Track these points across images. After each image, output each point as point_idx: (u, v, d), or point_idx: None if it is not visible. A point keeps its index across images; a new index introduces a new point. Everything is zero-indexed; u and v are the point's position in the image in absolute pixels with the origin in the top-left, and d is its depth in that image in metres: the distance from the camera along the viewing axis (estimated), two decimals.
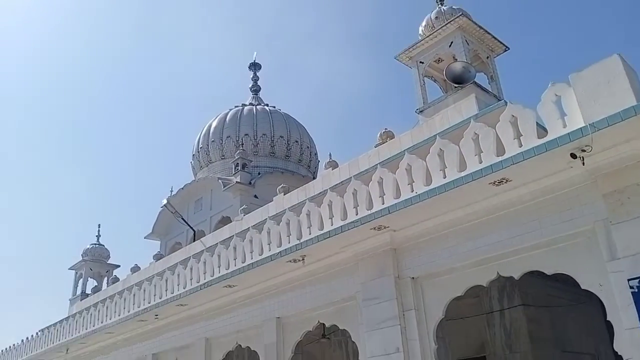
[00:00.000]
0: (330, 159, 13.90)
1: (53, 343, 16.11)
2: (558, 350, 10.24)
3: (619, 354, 5.47)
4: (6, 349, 20.23)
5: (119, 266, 24.42)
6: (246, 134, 23.52)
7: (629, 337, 5.31)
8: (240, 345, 10.56)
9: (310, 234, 8.50)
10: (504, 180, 6.21)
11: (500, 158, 6.07)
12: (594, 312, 11.09)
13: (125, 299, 13.23)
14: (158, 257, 17.99)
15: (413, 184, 7.21)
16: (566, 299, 11.10)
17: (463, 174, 6.40)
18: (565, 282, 10.87)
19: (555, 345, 10.24)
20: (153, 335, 12.80)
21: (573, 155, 5.61)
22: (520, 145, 6.02)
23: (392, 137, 10.76)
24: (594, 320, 11.27)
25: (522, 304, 9.86)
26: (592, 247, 5.87)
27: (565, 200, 6.19)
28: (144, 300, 12.35)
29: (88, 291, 22.80)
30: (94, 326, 14.12)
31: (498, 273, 6.71)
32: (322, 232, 8.18)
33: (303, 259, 8.79)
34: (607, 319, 5.63)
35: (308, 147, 25.28)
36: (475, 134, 6.58)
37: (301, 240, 8.52)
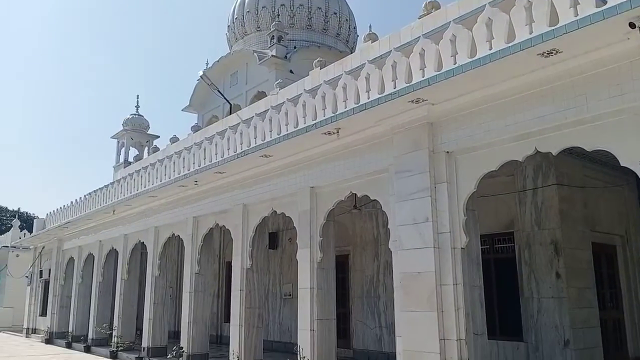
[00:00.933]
0: (370, 31, 13.35)
1: (100, 205, 17.23)
2: (587, 229, 10.38)
3: None
4: (57, 209, 21.80)
5: (158, 137, 25.20)
6: (282, 5, 22.63)
7: None
8: (275, 212, 11.05)
9: (345, 107, 8.45)
10: (554, 52, 5.88)
11: (553, 27, 5.69)
12: (628, 195, 11.04)
13: (165, 166, 13.81)
14: (196, 129, 18.38)
15: (457, 55, 6.91)
16: (602, 180, 11.03)
17: (511, 44, 6.07)
18: (602, 163, 10.74)
19: (585, 224, 10.36)
20: (193, 200, 13.49)
21: (632, 25, 5.22)
22: (576, 15, 5.61)
23: (438, 7, 10.16)
24: (627, 203, 11.26)
25: (557, 183, 9.85)
26: (638, 124, 5.67)
27: (616, 75, 5.88)
28: (184, 167, 12.88)
29: (130, 159, 23.82)
30: (137, 190, 14.94)
31: (536, 148, 6.62)
32: (357, 104, 8.10)
33: (338, 132, 8.84)
34: None
35: (347, 20, 24.27)
36: (529, 1, 6.13)
37: (336, 113, 8.50)
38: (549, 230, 9.77)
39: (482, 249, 8.95)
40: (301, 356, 9.24)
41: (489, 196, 9.93)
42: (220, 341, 17.23)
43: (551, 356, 9.43)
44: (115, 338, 15.93)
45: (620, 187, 11.06)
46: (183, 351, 12.46)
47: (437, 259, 7.41)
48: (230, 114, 18.21)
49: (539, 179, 10.05)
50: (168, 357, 12.73)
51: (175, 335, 16.36)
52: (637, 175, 5.62)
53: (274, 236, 16.32)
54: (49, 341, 20.78)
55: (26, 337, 23.97)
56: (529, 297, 9.91)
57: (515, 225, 10.38)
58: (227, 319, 13.10)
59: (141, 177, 15.06)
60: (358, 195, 9.75)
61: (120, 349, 15.56)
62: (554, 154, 6.67)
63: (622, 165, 5.83)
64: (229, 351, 11.32)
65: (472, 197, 7.50)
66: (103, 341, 17.34)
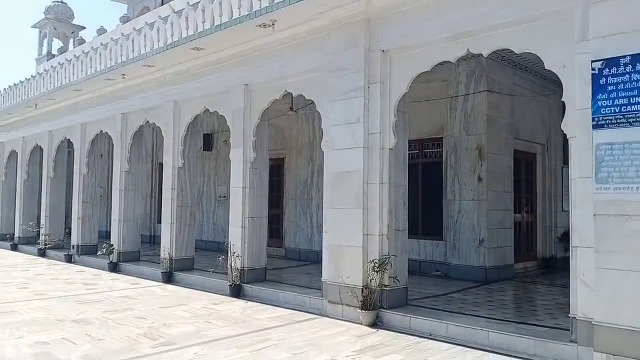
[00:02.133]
0: None
1: (22, 98, 16.13)
2: (511, 136, 10.80)
3: (564, 132, 5.74)
4: None
5: (84, 28, 23.37)
6: None
7: (577, 118, 5.51)
8: (208, 110, 10.73)
9: None
10: None
11: None
12: (553, 106, 11.47)
13: (91, 58, 12.93)
14: (125, 19, 17.10)
15: None
16: (530, 90, 11.35)
17: None
18: (532, 72, 10.99)
19: (510, 131, 10.76)
20: (122, 96, 12.84)
21: None
22: None
23: None
24: (552, 113, 11.71)
25: (487, 90, 10.05)
26: (565, 27, 5.71)
27: None
28: (110, 60, 12.10)
29: (54, 52, 22.13)
30: (61, 83, 14.02)
31: (468, 49, 6.61)
32: None
33: (273, 24, 8.45)
34: (562, 100, 5.76)
35: None
36: None
37: (272, 4, 8.08)
38: (476, 136, 10.10)
39: (412, 153, 9.19)
40: (232, 252, 9.42)
41: (422, 101, 10.05)
42: (153, 241, 17.29)
43: (467, 253, 10.12)
44: (43, 236, 15.61)
45: (546, 97, 11.45)
46: (113, 248, 12.43)
47: (365, 158, 7.51)
48: (163, 4, 17.03)
49: (471, 85, 10.20)
50: (98, 254, 12.68)
51: (106, 236, 16.14)
52: (562, 86, 5.75)
53: (209, 138, 16.04)
54: None
55: None
56: (451, 199, 10.41)
57: (444, 131, 10.65)
58: (160, 220, 13.03)
59: (65, 69, 14.08)
60: (293, 95, 9.58)
61: (48, 246, 15.32)
62: (484, 55, 6.69)
63: (546, 67, 5.94)
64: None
65: (404, 98, 7.51)
66: (31, 239, 16.97)
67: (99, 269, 12.56)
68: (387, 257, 7.15)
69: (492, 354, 5.71)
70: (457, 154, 10.35)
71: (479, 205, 10.03)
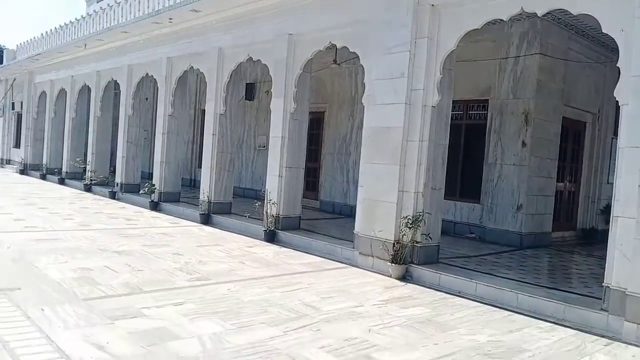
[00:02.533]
0: None
1: (71, 38, 16.48)
2: (561, 103, 10.44)
3: (617, 99, 5.51)
4: (28, 40, 20.82)
5: None
6: None
7: (632, 84, 5.27)
8: (251, 58, 10.74)
9: None
10: None
11: None
12: (608, 74, 10.97)
13: (139, 2, 13.04)
14: None
15: None
16: (585, 55, 10.86)
17: None
18: (588, 37, 10.47)
19: (561, 97, 10.40)
20: (168, 40, 12.96)
21: None
22: None
23: None
24: (606, 81, 11.20)
25: (540, 53, 9.67)
26: None
27: None
28: (158, 3, 12.17)
29: None
30: (109, 25, 14.23)
31: (522, 8, 6.33)
32: None
33: None
34: (617, 65, 5.51)
35: None
36: None
37: None
38: (523, 100, 9.80)
39: (455, 114, 9.04)
40: (268, 199, 9.61)
41: (469, 61, 9.76)
42: (193, 185, 17.75)
43: (504, 218, 10.01)
44: (89, 173, 16.23)
45: (602, 64, 10.94)
46: (155, 188, 12.83)
47: (407, 115, 7.43)
48: None
49: (522, 47, 9.83)
50: (140, 192, 13.12)
51: (149, 176, 16.66)
52: (619, 52, 5.49)
53: (251, 87, 16.08)
54: (23, 172, 21.13)
55: (0, 167, 24.27)
56: (492, 163, 10.23)
57: (491, 93, 10.36)
58: (201, 165, 13.31)
59: (114, 11, 14.26)
60: (338, 47, 9.44)
61: (93, 182, 15.94)
62: (539, 14, 6.40)
63: (603, 31, 5.66)
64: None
65: (451, 56, 7.32)
66: (77, 175, 17.66)
67: (140, 207, 13.04)
68: (421, 214, 7.16)
69: (519, 315, 5.73)
70: (502, 117, 10.10)
71: (520, 170, 9.83)
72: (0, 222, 9.34)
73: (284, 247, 8.94)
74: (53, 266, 6.42)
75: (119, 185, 14.78)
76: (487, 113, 10.49)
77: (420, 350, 4.43)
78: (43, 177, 19.22)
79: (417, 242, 7.17)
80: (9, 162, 24.51)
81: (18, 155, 22.74)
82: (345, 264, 7.89)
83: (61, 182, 17.85)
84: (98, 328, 4.38)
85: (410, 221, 7.07)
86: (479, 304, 6.09)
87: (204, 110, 12.14)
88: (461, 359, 4.31)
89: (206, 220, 10.99)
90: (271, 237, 9.29)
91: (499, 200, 10.08)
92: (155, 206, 12.66)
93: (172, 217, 11.81)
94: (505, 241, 9.78)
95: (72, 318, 4.58)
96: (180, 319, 4.78)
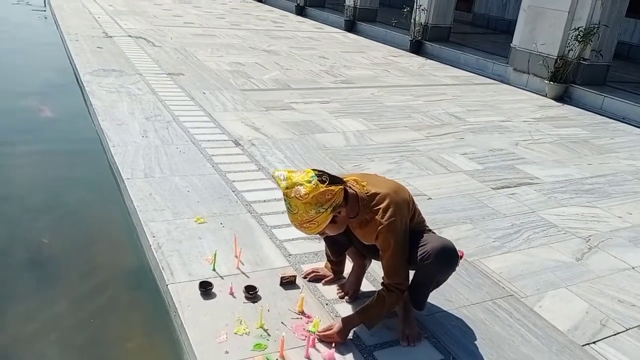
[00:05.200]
0: None
1: None
2: None
3: None
4: None
5: None
6: None
7: None
8: None
9: None
10: None
11: None
12: None
13: None
14: None
15: None
16: None
17: None
18: None
19: None
20: None
21: None
22: None
23: None
24: None
25: None
26: None
27: None
28: None
29: None
30: None
31: None
32: None
33: None
34: None
35: None
36: None
37: None
38: None
39: None
40: (418, 4, 8.95)
41: None
42: None
43: None
44: None
45: None
46: None
47: None
48: None
49: None
50: None
51: None
52: None
53: None
54: None
55: None
56: None
57: None
58: None
59: None
60: None
61: None
62: None
63: None
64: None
65: None
66: None
67: (286, 10, 13.00)
68: (595, 26, 6.23)
69: None
70: None
71: None
72: (163, 18, 9.92)
73: (430, 59, 8.53)
74: (210, 58, 6.81)
75: None
76: None
77: (570, 168, 4.19)
78: None
79: (584, 60, 6.38)
80: None
81: None
82: (496, 80, 7.39)
83: None
84: (253, 114, 4.69)
85: (581, 34, 6.21)
86: None
87: None
88: (617, 181, 4.01)
89: (350, 27, 10.71)
90: (417, 48, 8.87)
91: None
92: (300, 10, 12.53)
93: (316, 22, 11.68)
94: None
95: (230, 103, 4.93)
96: (326, 115, 4.93)
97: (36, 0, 11.68)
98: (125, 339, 2.19)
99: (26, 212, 3.10)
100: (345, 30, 10.70)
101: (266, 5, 13.96)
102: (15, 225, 2.95)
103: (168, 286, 2.19)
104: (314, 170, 1.82)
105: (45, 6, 10.73)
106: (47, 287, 2.45)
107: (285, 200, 1.80)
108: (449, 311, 2.23)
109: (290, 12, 12.77)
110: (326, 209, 1.77)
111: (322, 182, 1.77)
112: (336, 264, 2.32)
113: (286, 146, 3.98)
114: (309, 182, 1.75)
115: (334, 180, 1.81)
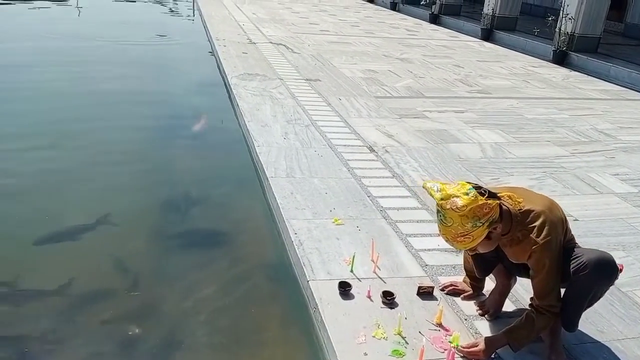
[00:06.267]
0: None
1: None
2: None
3: None
4: None
5: None
6: None
7: None
8: None
9: None
10: None
11: None
12: None
13: None
14: None
15: None
16: None
17: None
18: None
19: None
20: None
21: None
22: None
23: None
24: None
25: None
26: None
27: None
28: None
29: None
30: None
31: None
32: None
33: None
34: None
35: None
36: None
37: None
38: None
39: None
40: (564, 13, 8.40)
41: None
42: (474, 0, 16.60)
43: None
44: None
45: None
46: (436, 0, 12.37)
47: None
48: None
49: None
50: (421, 3, 12.81)
51: None
52: None
53: None
54: None
55: None
56: None
57: None
58: None
59: None
60: None
61: None
62: None
63: None
64: (482, 9, 10.86)
65: None
66: None
67: (419, 19, 12.89)
68: None
69: None
70: None
71: None
72: (300, 25, 10.34)
73: (575, 70, 7.96)
74: (344, 65, 6.97)
75: None
76: None
77: None
78: None
79: None
80: None
81: None
82: None
83: None
84: (387, 121, 4.72)
85: None
86: None
87: None
88: None
89: (487, 35, 10.35)
90: (561, 59, 8.33)
91: None
92: (434, 19, 12.36)
93: (450, 30, 11.44)
94: None
95: (364, 109, 5.01)
96: (461, 125, 4.81)
97: (183, 9, 12.91)
98: (265, 327, 2.32)
99: (184, 201, 3.41)
100: (481, 38, 10.36)
101: (400, 14, 13.96)
102: (175, 213, 3.27)
103: (309, 282, 2.29)
104: (469, 183, 1.79)
105: (193, 15, 11.75)
106: (200, 271, 2.67)
107: (438, 212, 1.77)
108: (601, 342, 2.06)
109: (424, 20, 12.64)
110: (483, 224, 1.72)
111: (481, 194, 1.73)
112: (477, 280, 2.25)
113: (420, 155, 3.95)
114: (466, 194, 1.71)
115: (491, 194, 1.77)
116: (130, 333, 2.19)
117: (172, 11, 12.86)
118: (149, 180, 3.69)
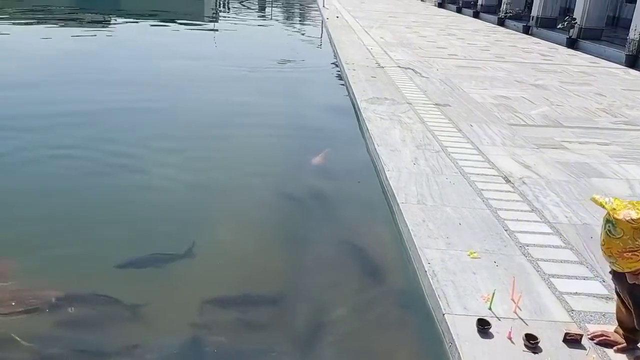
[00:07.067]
0: None
1: None
2: None
3: None
4: None
5: None
6: None
7: None
8: None
9: None
10: None
11: None
12: None
13: None
14: None
15: None
16: None
17: None
18: None
19: None
20: None
21: None
22: None
23: None
24: None
25: None
26: None
27: None
28: None
29: None
30: None
31: None
32: None
33: None
34: None
35: None
36: None
37: None
38: None
39: None
40: None
41: None
42: (616, 24, 15.40)
43: None
44: (504, 5, 15.90)
45: None
46: (575, 23, 11.67)
47: None
48: None
49: None
50: (558, 27, 12.18)
51: (565, 12, 15.31)
52: None
53: None
54: (441, 5, 22.38)
55: (421, 0, 26.25)
56: None
57: None
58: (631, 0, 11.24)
59: None
60: None
61: (507, 16, 15.62)
62: None
63: None
64: (626, 33, 10.03)
65: None
66: (491, 8, 17.58)
67: (555, 42, 12.22)
68: None
69: None
70: None
71: None
72: (427, 49, 10.26)
73: None
74: (474, 90, 6.78)
75: (534, 19, 14.03)
76: None
77: None
78: (459, 11, 19.97)
79: None
80: None
81: None
82: None
83: (475, 15, 18.18)
84: (523, 150, 4.50)
85: None
86: None
87: None
88: None
89: (633, 62, 9.51)
90: None
91: None
92: (572, 43, 11.64)
93: (590, 56, 10.69)
94: None
95: (497, 137, 4.82)
96: (605, 158, 4.45)
97: (311, 32, 13.46)
98: (396, 356, 2.29)
99: (312, 220, 3.51)
100: (626, 65, 9.55)
101: (533, 38, 13.35)
102: (305, 230, 3.38)
103: (444, 315, 2.22)
104: None
105: (321, 39, 12.20)
106: (330, 291, 2.71)
107: (607, 222, 1.66)
108: None
109: (560, 44, 11.95)
110: None
111: None
112: (632, 332, 2.05)
113: (561, 189, 3.71)
114: None
115: None
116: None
117: (303, 34, 13.45)
118: (284, 199, 3.84)
